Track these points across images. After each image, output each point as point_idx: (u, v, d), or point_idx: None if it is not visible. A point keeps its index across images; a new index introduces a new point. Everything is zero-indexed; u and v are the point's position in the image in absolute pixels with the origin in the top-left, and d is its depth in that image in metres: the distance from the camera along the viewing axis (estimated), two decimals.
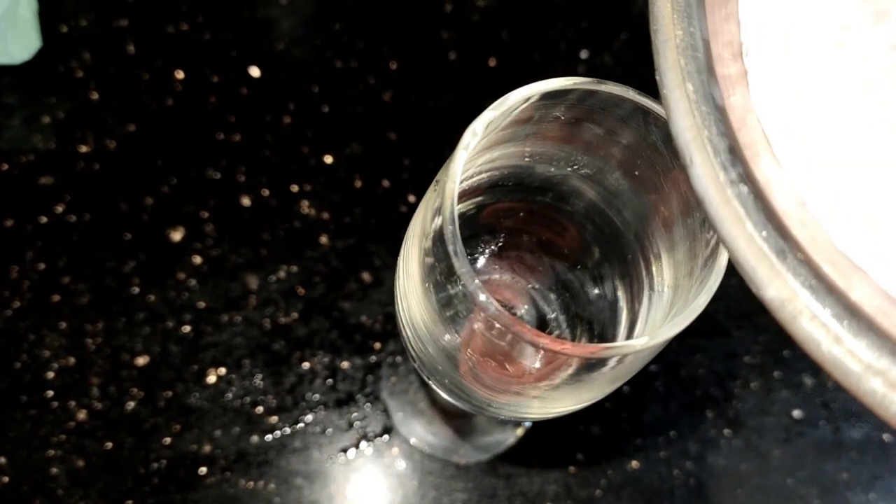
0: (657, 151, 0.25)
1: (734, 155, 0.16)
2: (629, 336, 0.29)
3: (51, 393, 0.41)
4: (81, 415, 0.41)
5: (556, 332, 0.33)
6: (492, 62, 0.48)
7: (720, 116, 0.16)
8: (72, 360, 0.42)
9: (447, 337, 0.26)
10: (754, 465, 0.43)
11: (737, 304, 0.45)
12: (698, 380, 0.44)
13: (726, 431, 0.44)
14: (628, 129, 0.24)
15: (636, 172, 0.26)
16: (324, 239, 0.45)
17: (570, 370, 0.24)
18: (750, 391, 0.44)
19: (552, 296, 0.33)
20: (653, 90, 0.20)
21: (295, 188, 0.45)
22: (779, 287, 0.15)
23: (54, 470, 0.40)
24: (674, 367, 0.44)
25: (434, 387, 0.30)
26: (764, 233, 0.15)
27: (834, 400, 0.44)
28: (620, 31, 0.49)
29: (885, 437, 0.44)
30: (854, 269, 0.16)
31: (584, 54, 0.49)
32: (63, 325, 0.42)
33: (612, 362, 0.24)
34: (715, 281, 0.23)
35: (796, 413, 0.44)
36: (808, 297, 0.14)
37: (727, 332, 0.45)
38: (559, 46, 0.49)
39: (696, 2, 0.16)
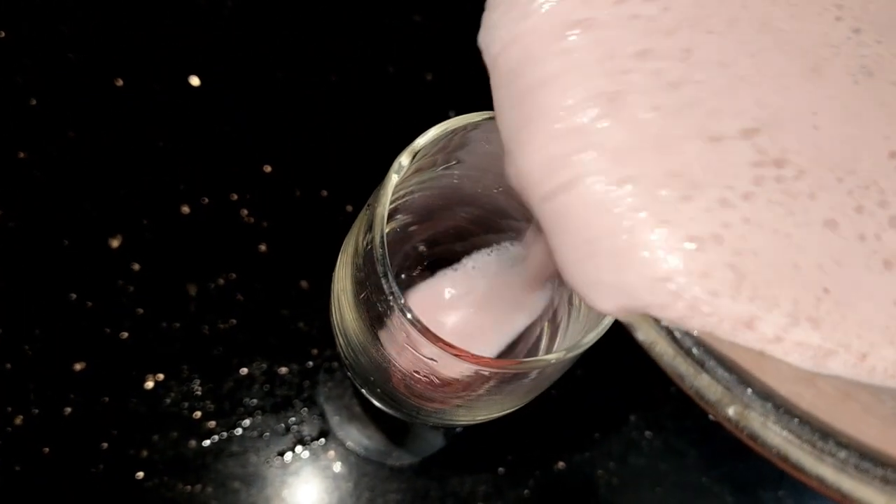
0: None
1: None
2: (551, 345, 0.31)
3: None
4: (18, 420, 0.42)
5: None
6: (429, 76, 0.50)
7: None
8: (9, 365, 0.42)
9: (378, 348, 0.27)
10: (672, 465, 0.46)
11: None
12: (622, 385, 0.47)
13: (647, 433, 0.46)
14: None
15: None
16: (263, 247, 0.46)
17: (493, 382, 0.26)
18: (670, 396, 0.47)
19: None
20: None
21: (234, 196, 0.46)
22: (645, 331, 0.17)
23: None
24: (599, 372, 0.46)
25: (367, 395, 0.32)
26: None
27: None
28: None
29: None
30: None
31: None
32: (0, 330, 0.43)
33: (532, 374, 0.26)
34: None
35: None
36: (668, 339, 0.17)
37: None
38: None
39: None
